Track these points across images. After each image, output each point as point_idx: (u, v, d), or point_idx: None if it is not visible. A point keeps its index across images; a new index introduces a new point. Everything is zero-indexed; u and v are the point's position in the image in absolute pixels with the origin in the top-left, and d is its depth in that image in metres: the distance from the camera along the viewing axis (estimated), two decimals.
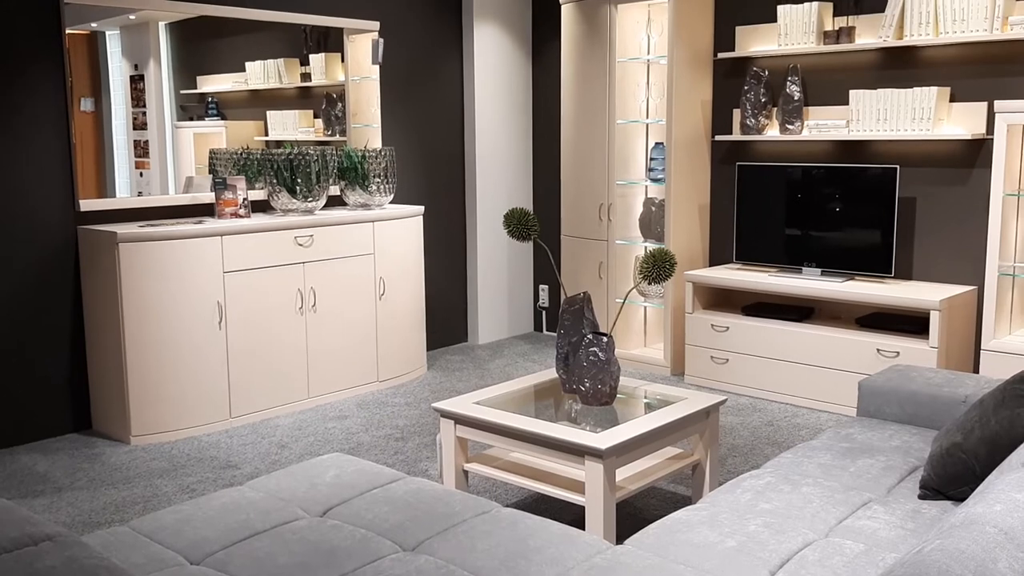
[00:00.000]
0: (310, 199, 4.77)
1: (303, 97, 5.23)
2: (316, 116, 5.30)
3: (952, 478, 2.45)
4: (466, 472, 3.24)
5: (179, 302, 4.22)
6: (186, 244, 4.22)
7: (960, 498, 2.45)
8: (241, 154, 4.83)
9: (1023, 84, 4.28)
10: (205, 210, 4.71)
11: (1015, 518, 1.57)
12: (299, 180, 4.72)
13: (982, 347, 4.16)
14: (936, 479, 2.48)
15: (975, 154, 4.46)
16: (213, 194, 4.65)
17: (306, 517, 2.39)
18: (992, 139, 4.25)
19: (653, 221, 5.42)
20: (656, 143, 5.41)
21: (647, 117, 5.51)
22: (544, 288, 6.34)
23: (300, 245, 4.62)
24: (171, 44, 4.66)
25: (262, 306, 4.51)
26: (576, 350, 3.25)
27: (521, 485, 3.09)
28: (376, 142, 5.45)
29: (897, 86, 4.63)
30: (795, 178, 4.87)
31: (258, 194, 4.88)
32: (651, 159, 5.40)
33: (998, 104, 4.04)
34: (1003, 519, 1.57)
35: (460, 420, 3.15)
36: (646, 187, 5.56)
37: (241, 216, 4.57)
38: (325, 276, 4.75)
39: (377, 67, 5.40)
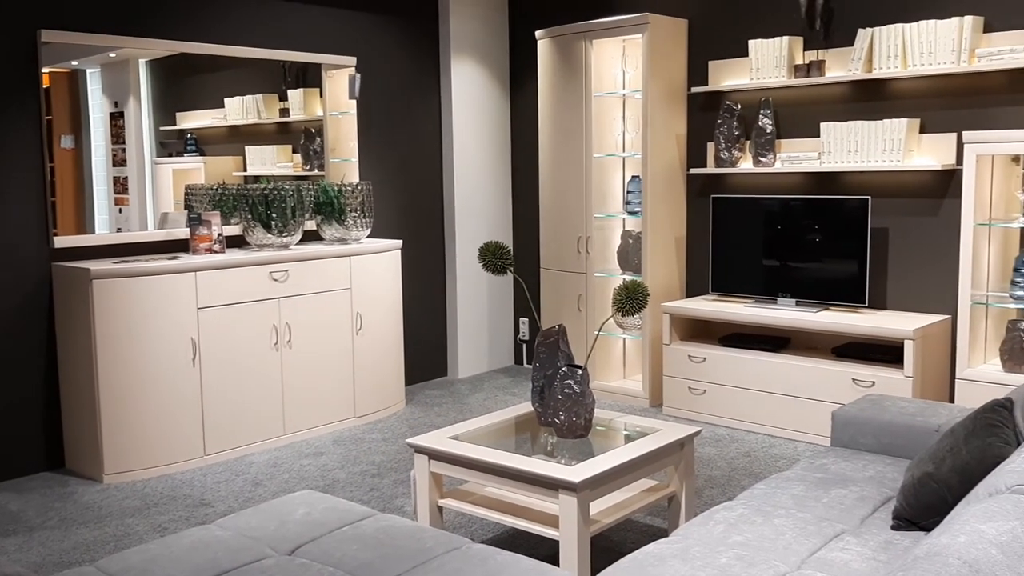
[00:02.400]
0: (285, 234, 4.77)
1: (282, 132, 5.24)
2: (295, 151, 5.31)
3: (925, 508, 2.45)
4: (441, 508, 3.21)
5: (153, 339, 4.19)
6: (160, 280, 4.20)
7: (933, 528, 2.44)
8: (216, 189, 4.83)
9: (991, 115, 4.34)
10: (180, 246, 4.70)
11: (979, 550, 1.57)
12: (274, 215, 4.71)
13: (957, 376, 4.18)
14: (909, 509, 2.48)
15: (945, 184, 4.51)
16: (188, 230, 4.63)
17: (274, 556, 2.36)
18: (962, 169, 4.30)
19: (631, 253, 5.44)
20: (633, 176, 5.44)
21: (624, 151, 5.55)
22: (524, 321, 6.34)
23: (275, 280, 4.61)
24: (151, 81, 4.67)
25: (237, 342, 4.48)
26: (551, 383, 3.25)
27: (496, 520, 3.06)
28: (354, 176, 5.46)
29: (867, 118, 4.69)
30: (769, 210, 4.90)
31: (233, 229, 4.87)
32: (628, 192, 5.43)
33: (967, 135, 4.09)
34: (967, 551, 1.57)
35: (434, 455, 3.13)
36: (623, 220, 5.59)
37: (216, 252, 4.56)
38: (301, 311, 4.73)
39: (354, 102, 5.42)
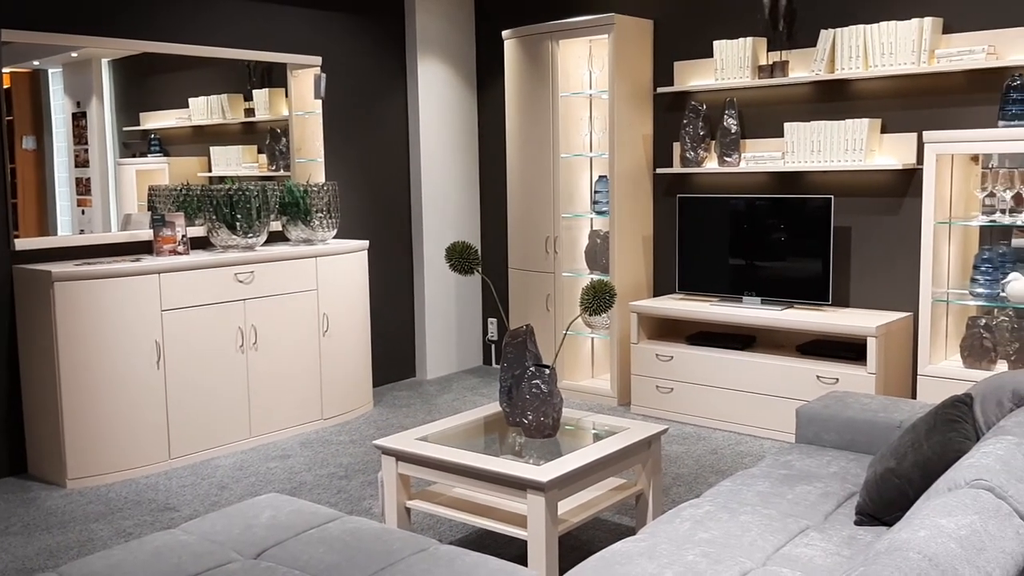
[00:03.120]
0: (250, 235, 4.73)
1: (247, 132, 5.20)
2: (260, 151, 5.27)
3: (887, 503, 2.48)
4: (408, 509, 3.20)
5: (116, 341, 4.14)
6: (123, 282, 4.15)
7: (895, 523, 2.48)
8: (180, 190, 4.78)
9: (951, 115, 4.41)
10: (144, 247, 4.64)
11: (938, 544, 1.59)
12: (239, 216, 4.67)
13: (918, 372, 4.24)
14: (871, 505, 2.51)
15: (907, 184, 4.57)
16: (152, 231, 4.58)
17: (240, 560, 2.34)
18: (922, 169, 4.37)
19: (598, 253, 5.46)
20: (600, 176, 5.46)
21: (591, 151, 5.57)
22: (493, 321, 6.34)
23: (240, 282, 4.57)
24: (114, 81, 4.62)
25: (201, 344, 4.44)
26: (519, 383, 3.25)
27: (464, 521, 3.06)
28: (320, 177, 5.43)
29: (830, 118, 4.74)
30: (734, 209, 4.94)
31: (198, 231, 4.82)
32: (595, 192, 5.45)
33: (927, 135, 4.15)
34: (927, 545, 1.59)
35: (401, 457, 3.12)
36: (591, 220, 5.61)
37: (180, 253, 4.51)
38: (266, 313, 4.69)
39: (320, 102, 5.39)
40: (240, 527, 2.53)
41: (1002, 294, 4.14)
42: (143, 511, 3.83)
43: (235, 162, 5.14)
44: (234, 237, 4.70)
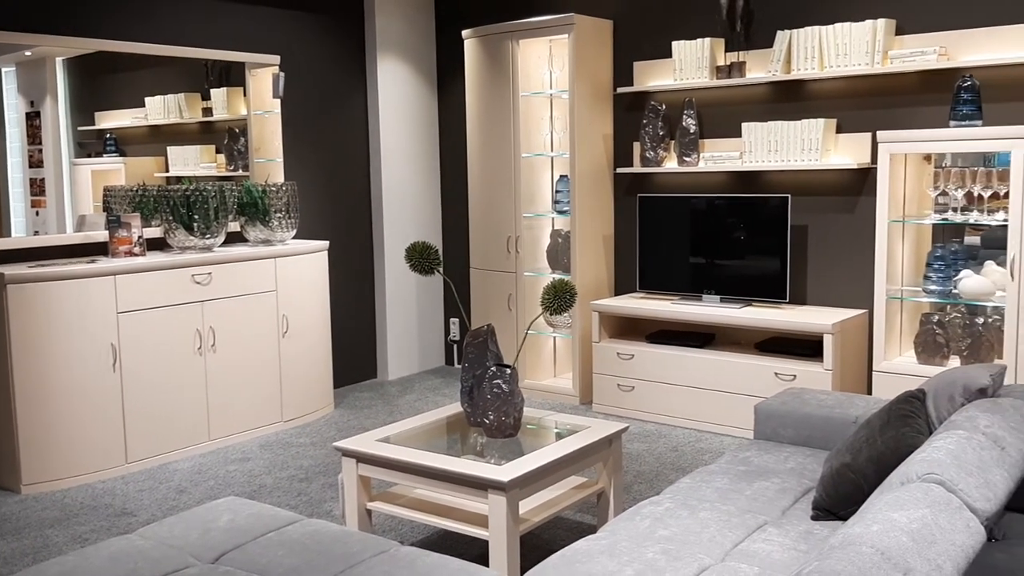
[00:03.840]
0: (208, 236, 4.68)
1: (205, 132, 5.14)
2: (218, 151, 5.22)
3: (843, 498, 2.52)
4: (369, 511, 3.19)
5: (71, 344, 4.07)
6: (78, 284, 4.08)
7: (850, 517, 2.51)
8: (137, 191, 4.71)
9: (904, 115, 4.48)
10: (99, 249, 4.57)
11: (891, 538, 1.62)
12: (196, 216, 4.62)
13: (874, 368, 4.31)
14: (827, 499, 2.55)
15: (861, 183, 4.64)
16: (107, 232, 4.51)
17: (197, 565, 2.31)
18: (876, 168, 4.43)
19: (560, 252, 5.48)
20: (561, 176, 5.48)
21: (552, 150, 5.59)
22: (455, 321, 6.33)
23: (198, 283, 4.52)
24: (68, 80, 4.54)
25: (159, 347, 4.38)
26: (480, 383, 3.25)
27: (425, 522, 3.05)
28: (279, 177, 5.39)
29: (787, 118, 4.80)
30: (693, 208, 4.99)
31: (155, 232, 4.75)
32: (556, 191, 5.46)
33: (881, 134, 4.22)
34: (880, 539, 1.62)
35: (362, 458, 3.11)
36: (552, 219, 5.62)
37: (136, 254, 4.45)
38: (225, 315, 4.65)
39: (279, 101, 5.35)
40: (198, 531, 2.50)
41: (954, 291, 4.22)
42: (100, 516, 3.77)
43: (193, 162, 5.08)
44: (191, 238, 4.65)
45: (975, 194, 4.16)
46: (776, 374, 4.51)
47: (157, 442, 4.40)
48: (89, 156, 4.67)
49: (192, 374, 4.52)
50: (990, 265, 4.28)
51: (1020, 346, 3.92)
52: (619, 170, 5.33)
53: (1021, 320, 3.91)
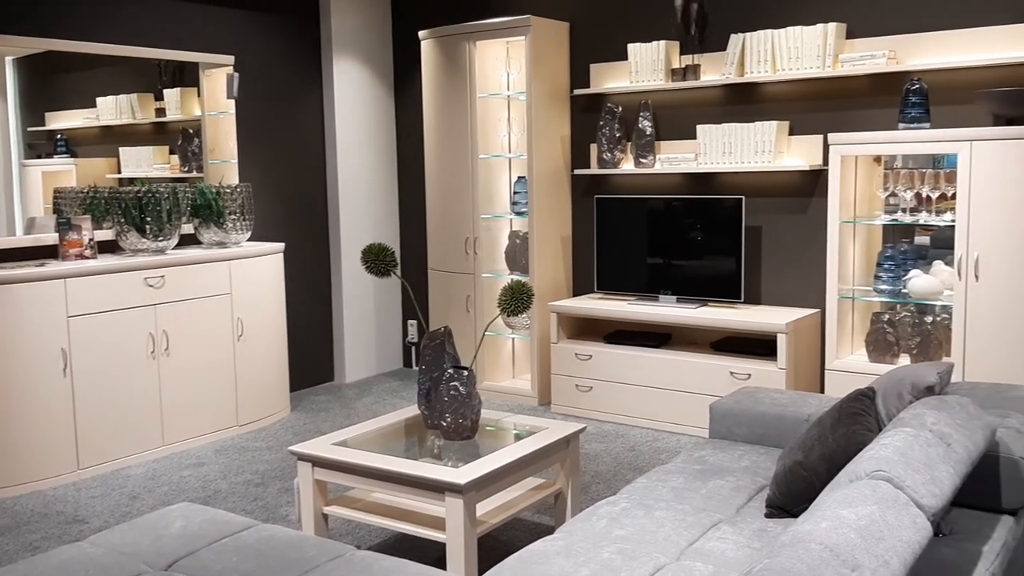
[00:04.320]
0: (161, 238, 4.61)
1: (158, 133, 5.07)
2: (172, 152, 5.15)
3: (795, 495, 2.55)
4: (326, 516, 3.17)
5: (19, 349, 3.99)
6: (27, 288, 4.00)
7: (802, 515, 2.55)
8: (87, 192, 4.64)
9: (855, 117, 4.56)
10: (49, 252, 4.49)
11: (839, 534, 1.65)
12: (148, 219, 4.56)
13: (826, 367, 4.38)
14: (781, 497, 2.58)
15: (813, 184, 4.71)
16: (57, 235, 4.43)
17: (149, 572, 2.28)
18: (828, 170, 4.50)
19: (518, 254, 5.49)
20: (519, 177, 5.49)
21: (509, 152, 5.59)
22: (412, 323, 6.31)
23: (151, 286, 4.46)
24: (18, 80, 4.46)
25: (111, 351, 4.31)
26: (437, 385, 3.24)
27: (382, 525, 3.04)
28: (234, 178, 5.33)
29: (740, 121, 4.85)
30: (650, 210, 5.02)
31: (106, 234, 4.68)
32: (514, 193, 5.47)
33: (832, 137, 4.28)
34: (828, 536, 1.64)
35: (317, 463, 3.09)
36: (511, 220, 5.63)
37: (87, 257, 4.38)
38: (178, 318, 4.59)
39: (233, 102, 5.29)
40: (150, 538, 2.47)
41: (904, 290, 4.30)
42: (51, 524, 3.70)
43: (146, 163, 5.01)
44: (144, 240, 4.58)
45: (924, 195, 4.25)
46: (731, 373, 4.56)
47: (110, 448, 4.33)
48: (39, 157, 4.58)
49: (145, 378, 4.46)
50: (938, 265, 4.37)
51: (967, 344, 4.00)
52: (576, 171, 5.35)
53: (968, 319, 4.00)
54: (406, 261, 6.32)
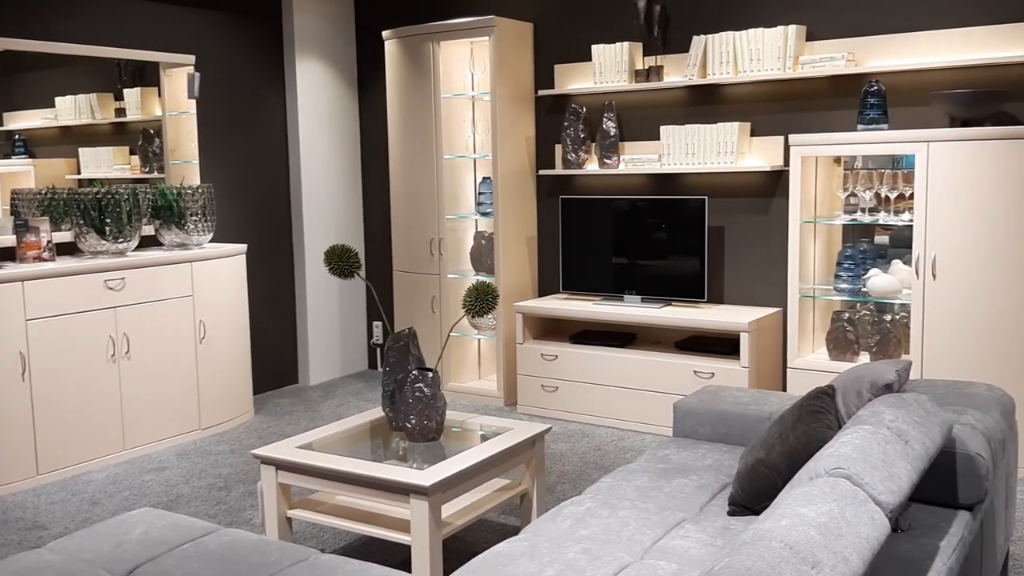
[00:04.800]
0: (121, 240, 4.55)
1: (118, 133, 5.01)
2: (132, 153, 5.09)
3: (757, 493, 2.58)
4: (290, 519, 3.15)
5: None
6: None
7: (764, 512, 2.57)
8: (46, 194, 4.56)
9: (815, 119, 4.61)
10: (6, 254, 4.41)
11: (799, 532, 1.67)
12: (108, 220, 4.49)
13: (788, 365, 4.43)
14: (743, 495, 2.61)
15: (775, 184, 4.76)
16: (15, 237, 4.36)
17: None
18: (789, 171, 4.55)
19: (484, 254, 5.49)
20: (484, 178, 5.49)
21: (474, 152, 5.59)
22: (378, 325, 6.29)
23: (111, 289, 4.40)
24: None
25: (70, 355, 4.25)
26: (402, 387, 3.23)
27: (347, 528, 3.03)
28: (195, 179, 5.28)
29: (703, 122, 4.89)
30: (614, 210, 5.05)
31: (65, 236, 4.61)
32: (479, 193, 5.47)
33: (792, 138, 4.33)
34: (788, 533, 1.66)
35: (281, 466, 3.07)
36: (476, 221, 5.63)
37: (45, 260, 4.31)
38: (139, 320, 4.53)
39: (194, 102, 5.24)
40: (111, 544, 2.44)
41: (864, 289, 4.36)
42: (9, 530, 3.64)
43: (106, 164, 4.94)
44: (103, 242, 4.52)
45: (883, 195, 4.31)
46: (695, 372, 4.59)
47: (69, 453, 4.27)
48: None
49: (105, 382, 4.40)
50: (897, 264, 4.44)
51: (925, 342, 4.07)
52: (541, 172, 5.36)
53: (926, 317, 4.06)
54: (370, 262, 6.30)
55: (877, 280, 4.28)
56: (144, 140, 5.13)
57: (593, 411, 4.93)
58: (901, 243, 4.47)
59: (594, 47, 5.05)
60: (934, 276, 4.03)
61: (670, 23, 4.97)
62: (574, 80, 5.30)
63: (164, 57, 5.10)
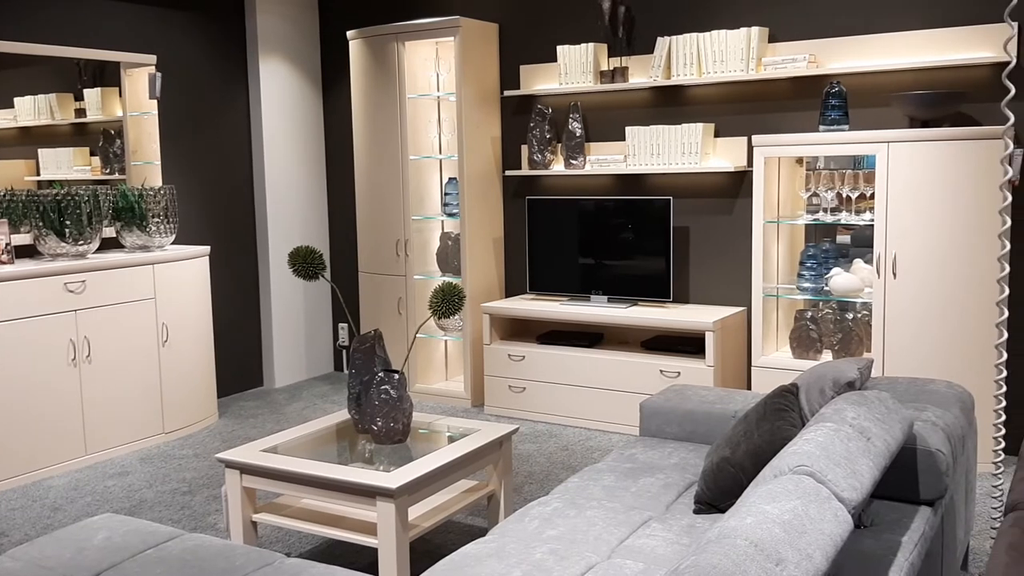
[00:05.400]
0: (81, 242, 4.49)
1: (78, 134, 4.93)
2: (93, 154, 5.01)
3: (723, 491, 2.60)
4: (255, 523, 3.12)
5: None
6: None
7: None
8: (4, 196, 4.49)
9: (777, 120, 4.66)
10: None
11: (764, 529, 1.68)
12: (68, 222, 4.43)
13: (752, 364, 4.46)
14: (709, 493, 2.63)
15: (738, 185, 4.80)
16: None
17: None
18: (752, 171, 4.59)
19: (450, 255, 5.48)
20: (450, 178, 5.48)
21: (440, 153, 5.58)
22: (343, 327, 6.25)
23: (71, 292, 4.33)
24: None
25: (30, 359, 4.18)
26: (368, 389, 3.22)
27: (313, 532, 3.01)
28: (157, 180, 5.21)
29: (668, 123, 4.92)
30: (580, 211, 5.06)
31: (24, 238, 4.53)
32: (445, 194, 5.46)
33: (756, 139, 4.37)
34: (753, 531, 1.68)
35: (246, 470, 3.04)
36: (442, 222, 5.62)
37: (4, 263, 4.24)
38: (100, 324, 4.47)
39: (156, 102, 5.17)
40: (72, 551, 2.40)
41: (826, 288, 4.41)
42: None
43: (66, 165, 4.87)
44: (63, 245, 4.45)
45: (844, 195, 4.36)
46: (661, 371, 4.62)
47: (30, 458, 4.20)
48: None
49: (66, 386, 4.33)
50: (859, 263, 4.50)
51: (886, 340, 4.13)
52: (508, 173, 5.37)
53: (887, 315, 4.12)
54: (336, 263, 6.26)
55: (839, 279, 4.33)
56: (105, 141, 5.06)
57: (560, 411, 4.94)
58: (862, 242, 4.53)
59: (559, 48, 5.06)
60: (895, 275, 4.09)
61: (635, 24, 4.99)
62: (540, 81, 5.31)
63: (125, 57, 5.03)
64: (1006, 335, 2.85)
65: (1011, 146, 2.83)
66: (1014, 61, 2.72)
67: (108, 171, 5.07)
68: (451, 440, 3.21)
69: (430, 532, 3.48)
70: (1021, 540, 2.04)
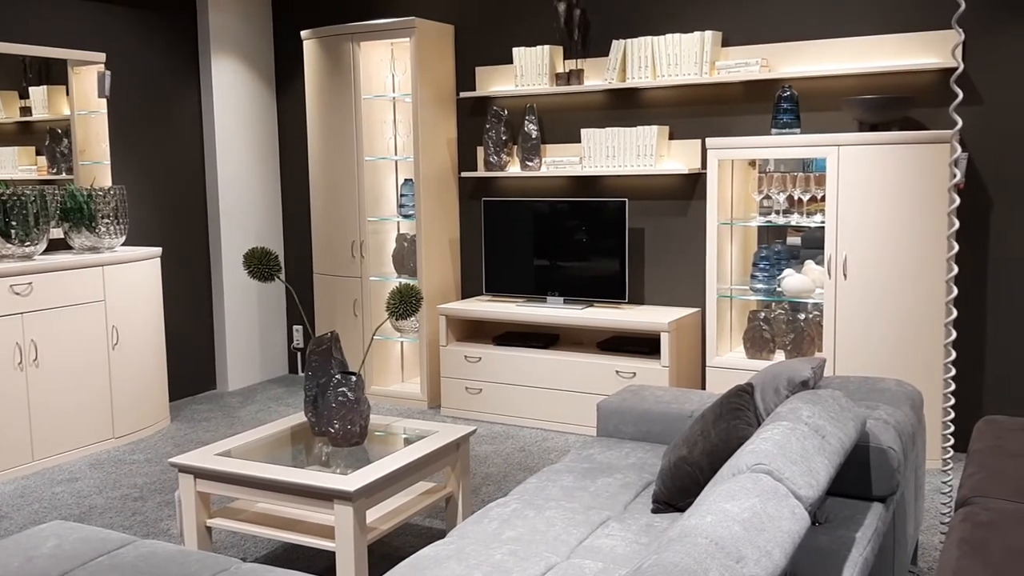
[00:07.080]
0: (27, 243, 4.38)
1: (23, 133, 4.82)
2: (39, 153, 4.90)
3: (680, 490, 2.62)
4: (209, 528, 3.07)
5: None
6: None
7: (688, 509, 2.61)
8: None
9: (730, 123, 4.72)
10: None
11: (724, 527, 1.70)
12: (13, 223, 4.32)
13: (707, 364, 4.51)
14: (666, 492, 2.65)
15: (692, 187, 4.85)
16: None
17: None
18: (706, 173, 4.64)
19: (406, 256, 5.45)
20: (406, 179, 5.45)
21: (396, 154, 5.55)
22: (298, 328, 6.19)
23: (17, 294, 4.23)
24: None
25: None
26: (324, 391, 3.19)
27: (269, 536, 2.97)
28: (106, 180, 5.11)
29: (623, 125, 4.96)
30: (536, 212, 5.07)
31: None
32: (401, 195, 5.44)
33: (709, 141, 4.42)
34: (714, 530, 1.69)
35: (200, 474, 2.99)
36: (398, 223, 5.59)
37: None
38: (48, 327, 4.37)
39: (105, 101, 5.07)
40: (20, 559, 2.34)
41: (778, 289, 4.47)
42: None
43: (10, 165, 4.75)
44: (9, 246, 4.34)
45: (796, 197, 4.43)
46: (617, 372, 4.64)
47: None
48: None
49: (12, 391, 4.22)
50: (810, 264, 4.57)
51: (838, 339, 4.20)
52: (464, 174, 5.36)
53: (838, 315, 4.19)
54: (291, 265, 6.20)
55: (791, 280, 4.39)
56: (51, 140, 4.95)
57: (517, 412, 4.94)
58: (813, 244, 4.61)
59: (515, 50, 5.07)
60: (845, 276, 4.16)
61: (590, 27, 5.02)
62: (495, 82, 5.31)
63: (72, 54, 4.93)
64: (954, 334, 2.92)
65: (958, 150, 2.90)
66: (961, 67, 2.79)
67: (55, 171, 4.96)
68: (408, 442, 3.20)
69: (388, 535, 3.46)
70: (972, 535, 2.09)
